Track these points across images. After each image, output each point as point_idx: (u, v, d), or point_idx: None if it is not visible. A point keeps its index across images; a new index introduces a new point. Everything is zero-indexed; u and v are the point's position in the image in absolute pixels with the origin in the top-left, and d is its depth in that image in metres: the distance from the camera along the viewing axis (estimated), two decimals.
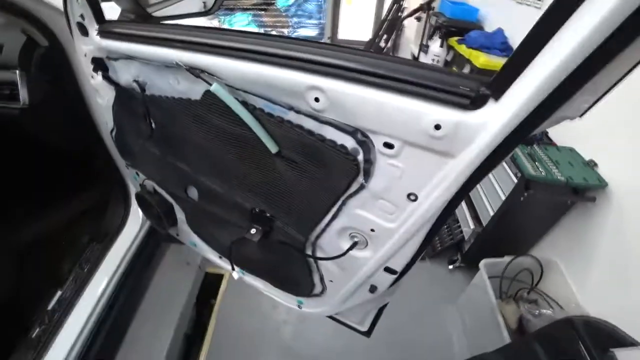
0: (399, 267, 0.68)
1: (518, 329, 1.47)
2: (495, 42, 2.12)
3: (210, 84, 0.60)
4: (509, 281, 1.60)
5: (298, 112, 0.57)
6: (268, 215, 0.78)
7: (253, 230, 0.78)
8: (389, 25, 2.38)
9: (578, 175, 1.44)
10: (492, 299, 1.45)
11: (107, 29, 0.79)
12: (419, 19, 2.57)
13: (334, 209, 0.65)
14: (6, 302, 1.09)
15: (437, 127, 0.44)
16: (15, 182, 1.28)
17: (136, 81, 0.81)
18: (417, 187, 0.53)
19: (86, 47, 0.85)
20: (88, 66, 0.90)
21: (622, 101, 1.43)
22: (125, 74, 0.84)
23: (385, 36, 2.45)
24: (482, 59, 2.06)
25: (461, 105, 0.43)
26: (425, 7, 2.47)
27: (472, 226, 1.76)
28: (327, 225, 0.69)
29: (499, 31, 2.21)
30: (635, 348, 0.96)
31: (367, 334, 1.03)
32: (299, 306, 0.98)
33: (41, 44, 0.97)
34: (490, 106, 0.42)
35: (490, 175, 1.69)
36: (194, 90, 0.71)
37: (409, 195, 0.54)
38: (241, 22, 3.50)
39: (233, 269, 0.99)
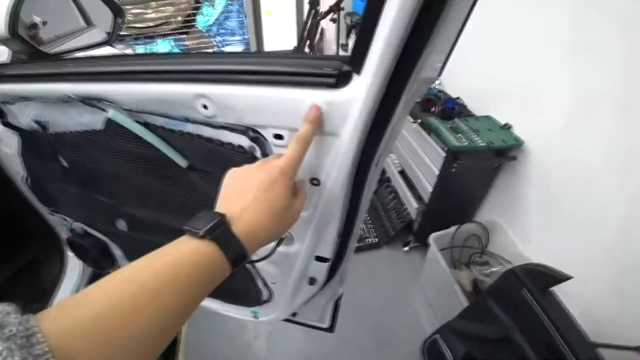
0: (328, 254, 0.71)
1: (474, 291, 1.57)
2: None
3: (107, 112, 0.61)
4: (460, 249, 1.71)
5: (194, 122, 0.59)
6: None
7: None
8: (310, 30, 2.47)
9: (497, 139, 1.58)
10: (446, 268, 1.54)
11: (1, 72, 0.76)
12: (334, 20, 2.69)
13: None
14: None
15: None
16: None
17: (37, 121, 0.78)
18: (316, 171, 0.56)
19: None
20: None
21: (523, 68, 1.60)
22: (25, 117, 0.81)
23: (308, 42, 2.54)
24: None
25: (329, 85, 0.46)
26: (335, 8, 2.59)
27: (415, 205, 1.85)
28: None
29: None
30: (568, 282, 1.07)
31: (330, 329, 1.04)
32: (255, 317, 0.98)
33: None
34: (355, 81, 0.45)
35: (421, 152, 1.80)
36: (97, 120, 0.70)
37: (312, 181, 0.58)
38: (163, 49, 3.45)
39: None
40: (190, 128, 0.61)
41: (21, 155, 0.93)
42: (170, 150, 0.65)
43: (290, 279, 0.78)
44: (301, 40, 2.51)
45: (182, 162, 0.66)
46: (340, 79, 0.46)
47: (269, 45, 3.60)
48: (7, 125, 0.84)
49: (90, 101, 0.63)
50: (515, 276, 1.21)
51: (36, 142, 0.85)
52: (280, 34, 3.50)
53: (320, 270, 0.74)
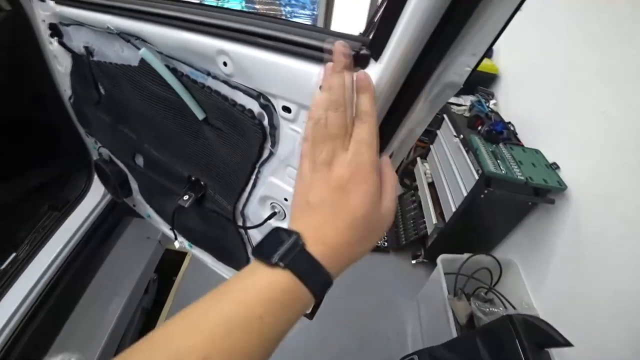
0: None
1: (468, 325, 1.50)
2: None
3: (139, 48, 0.63)
4: (466, 279, 1.63)
5: (214, 77, 0.60)
6: (202, 183, 0.81)
7: (186, 197, 0.81)
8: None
9: (539, 177, 1.47)
10: (445, 293, 1.49)
11: None
12: None
13: (253, 177, 0.67)
14: None
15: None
16: None
17: (85, 47, 0.84)
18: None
19: (44, 12, 0.88)
20: (46, 32, 0.93)
21: (588, 110, 1.46)
22: (76, 40, 0.87)
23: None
24: None
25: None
26: None
27: (434, 221, 1.79)
28: (250, 194, 0.71)
29: None
30: (560, 342, 0.99)
31: (310, 315, 1.05)
32: None
33: (4, 8, 1.00)
34: (372, 67, 0.42)
35: (455, 169, 1.72)
36: (134, 57, 0.74)
37: None
38: (234, 5, 3.51)
39: (176, 238, 1.02)
40: (211, 82, 0.62)
41: (70, 76, 1.01)
42: (191, 99, 0.66)
43: None
44: (369, 25, 2.44)
45: (199, 114, 0.67)
46: (357, 62, 0.44)
47: (336, 26, 3.53)
48: (62, 44, 0.91)
49: (127, 37, 0.66)
50: (511, 324, 1.14)
51: (83, 66, 0.91)
52: (350, 16, 3.44)
53: None
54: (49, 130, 1.28)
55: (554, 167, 1.53)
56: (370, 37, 0.42)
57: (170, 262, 1.65)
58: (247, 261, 0.91)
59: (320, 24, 3.36)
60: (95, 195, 1.34)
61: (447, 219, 1.73)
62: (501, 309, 1.51)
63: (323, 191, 0.34)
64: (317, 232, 0.33)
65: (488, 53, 0.41)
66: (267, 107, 0.56)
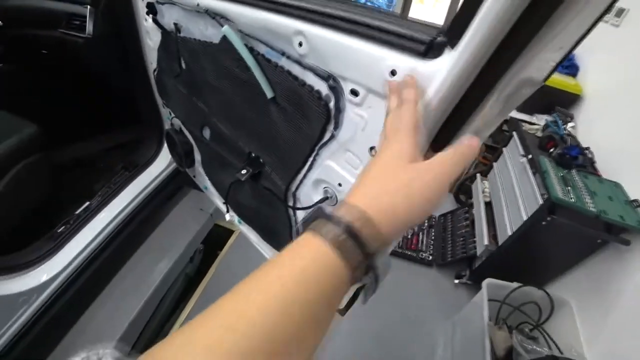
0: None
1: (505, 358, 1.39)
2: None
3: (222, 26, 0.68)
4: (511, 309, 1.51)
5: (288, 57, 0.62)
6: (261, 160, 0.84)
7: (243, 171, 0.84)
8: None
9: (615, 212, 1.32)
10: (485, 320, 1.39)
11: None
12: None
13: (310, 159, 0.69)
14: (40, 205, 1.28)
15: (393, 72, 0.46)
16: (68, 105, 1.49)
17: (175, 24, 0.91)
18: (377, 140, 0.55)
19: None
20: (143, 9, 1.03)
21: None
22: (167, 17, 0.95)
23: None
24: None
25: (417, 52, 0.43)
26: None
27: (486, 242, 1.68)
28: (305, 176, 0.73)
29: None
30: None
31: (342, 311, 1.05)
32: None
33: None
34: (446, 55, 0.41)
35: (517, 191, 1.60)
36: (217, 35, 0.79)
37: (370, 149, 0.57)
38: None
39: (227, 211, 1.07)
40: (284, 62, 0.64)
41: (158, 50, 1.10)
42: (263, 78, 0.69)
43: None
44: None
45: (269, 93, 0.70)
46: (431, 49, 0.43)
47: (414, 12, 3.41)
48: (155, 21, 1.00)
49: (213, 14, 0.70)
50: None
51: (170, 42, 1.00)
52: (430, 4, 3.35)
53: None
54: (132, 98, 1.42)
55: (635, 204, 1.36)
56: (449, 24, 0.41)
57: (218, 236, 1.74)
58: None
59: (397, 8, 3.28)
60: (162, 162, 1.46)
61: (500, 242, 1.62)
62: (546, 349, 1.38)
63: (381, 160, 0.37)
64: (390, 212, 0.32)
65: (574, 48, 0.38)
66: (335, 89, 0.56)
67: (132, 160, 1.47)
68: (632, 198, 1.40)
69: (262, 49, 0.68)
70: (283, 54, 0.63)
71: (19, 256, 1.06)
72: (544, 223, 1.38)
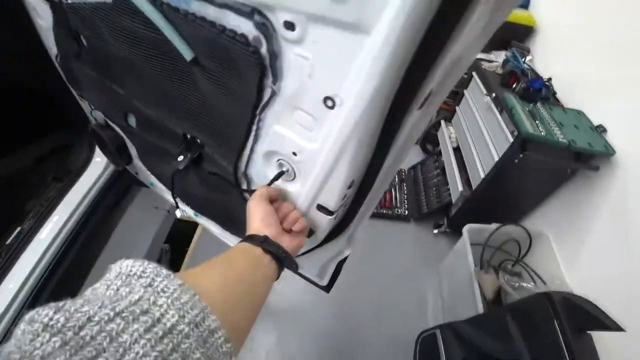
0: (332, 206, 0.57)
1: (495, 300, 1.37)
2: None
3: None
4: (493, 250, 1.49)
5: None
6: (198, 141, 0.68)
7: (180, 158, 0.68)
8: None
9: (582, 140, 1.28)
10: (471, 266, 1.35)
11: None
12: None
13: (254, 128, 0.54)
14: None
15: None
16: None
17: None
18: (332, 87, 0.41)
19: None
20: None
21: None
22: None
23: None
24: None
25: None
26: None
27: (460, 189, 1.62)
28: (252, 150, 0.58)
29: None
30: (609, 326, 0.84)
31: (327, 289, 0.96)
32: None
33: None
34: None
35: (485, 132, 1.53)
36: None
37: (325, 100, 0.43)
38: None
39: (177, 207, 0.91)
40: (195, 6, 0.47)
41: (52, 29, 0.87)
42: (175, 35, 0.52)
43: None
44: None
45: (187, 54, 0.53)
46: None
47: None
48: None
49: None
50: (550, 302, 1.00)
51: (60, 14, 0.77)
52: None
53: (320, 223, 0.61)
54: (44, 96, 1.17)
55: (600, 129, 1.33)
56: None
57: (183, 233, 1.56)
58: None
59: None
60: (99, 164, 1.24)
61: (474, 187, 1.56)
62: (532, 284, 1.37)
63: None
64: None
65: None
66: (264, 26, 0.41)
67: (63, 168, 1.24)
68: (596, 123, 1.36)
69: None
70: None
71: None
72: (516, 161, 1.32)
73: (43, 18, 0.86)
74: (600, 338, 1.00)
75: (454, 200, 1.68)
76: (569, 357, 0.86)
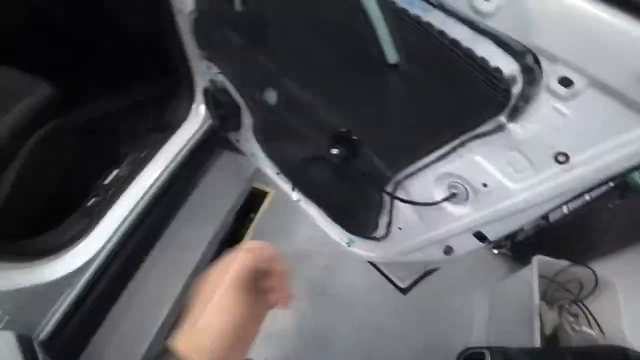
0: (492, 236, 0.60)
1: (551, 338, 1.40)
2: None
3: None
4: (555, 285, 1.50)
5: (448, 12, 0.46)
6: (355, 137, 0.70)
7: (335, 151, 0.71)
8: None
9: None
10: (536, 298, 1.37)
11: None
12: None
13: (447, 149, 0.56)
14: (64, 177, 1.12)
15: None
16: (84, 57, 1.27)
17: None
18: (577, 146, 0.42)
19: None
20: None
21: None
22: None
23: None
24: None
25: None
26: None
27: None
28: (427, 166, 0.60)
29: None
30: None
31: (405, 291, 1.00)
32: (347, 244, 0.94)
33: None
34: None
35: None
36: None
37: (557, 155, 0.44)
38: None
39: (294, 189, 0.95)
40: (435, 18, 0.47)
41: None
42: (387, 35, 0.53)
43: (425, 235, 0.69)
44: None
45: (393, 57, 0.54)
46: None
47: None
48: None
49: None
50: (622, 357, 1.02)
51: None
52: None
53: (467, 245, 0.64)
54: (155, 47, 1.20)
55: None
56: None
57: (250, 198, 1.62)
58: (375, 228, 0.82)
59: None
60: (194, 122, 1.29)
61: (551, 220, 1.55)
62: (592, 330, 1.38)
63: None
64: None
65: None
66: (532, 70, 0.42)
67: (160, 119, 1.30)
68: None
69: None
70: (439, 5, 0.46)
71: (51, 237, 0.94)
72: (610, 206, 1.30)
73: None
74: None
75: (525, 226, 1.68)
76: None
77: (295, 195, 0.93)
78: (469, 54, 0.46)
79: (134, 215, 1.09)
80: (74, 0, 1.25)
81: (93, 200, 1.07)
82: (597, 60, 0.36)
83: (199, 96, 1.23)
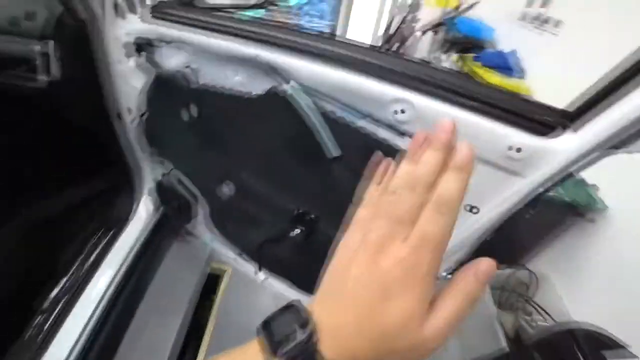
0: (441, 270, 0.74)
1: (514, 339, 1.58)
2: (509, 63, 2.23)
3: (287, 82, 0.63)
4: (507, 293, 1.71)
5: (375, 120, 0.61)
6: (312, 216, 0.81)
7: (297, 231, 0.81)
8: (401, 33, 2.46)
9: (580, 196, 1.56)
10: (492, 308, 1.55)
11: (163, 10, 0.80)
12: (435, 32, 2.68)
13: None
14: (7, 286, 1.05)
15: (518, 150, 0.51)
16: (26, 159, 1.24)
17: (189, 67, 0.81)
18: (480, 200, 0.59)
19: (125, 28, 0.85)
20: (119, 49, 0.89)
21: None
22: (174, 60, 0.84)
23: (397, 44, 2.52)
24: (495, 79, 2.17)
25: (538, 132, 0.51)
26: (447, 22, 2.58)
27: None
28: None
29: (514, 52, 2.33)
30: (627, 355, 1.07)
31: None
32: None
33: (78, 18, 0.95)
34: (568, 136, 0.50)
35: None
36: (253, 85, 0.73)
37: (471, 209, 0.60)
38: (254, 13, 3.44)
39: (260, 270, 1.02)
40: (364, 124, 0.63)
41: (147, 94, 0.97)
42: (328, 136, 0.67)
43: None
44: (390, 40, 2.50)
45: (335, 152, 0.68)
46: (556, 130, 0.50)
47: (350, 35, 3.57)
48: (151, 61, 0.88)
49: (275, 69, 0.65)
50: (572, 337, 1.21)
51: (172, 87, 0.88)
52: (366, 27, 3.48)
53: None
54: (99, 145, 1.23)
55: (594, 188, 1.63)
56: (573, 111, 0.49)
57: (207, 281, 1.60)
58: None
59: (339, 33, 3.39)
60: (144, 215, 1.30)
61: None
62: (549, 323, 1.60)
63: (363, 279, 0.28)
64: (337, 332, 0.28)
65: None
66: None
67: (106, 216, 1.28)
68: (590, 182, 1.67)
69: (329, 105, 0.65)
70: (367, 116, 0.62)
71: None
72: (527, 216, 1.57)
73: (133, 83, 0.96)
74: None
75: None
76: None
77: (262, 275, 0.99)
78: (393, 148, 0.61)
79: (87, 331, 1.04)
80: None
81: (40, 317, 1.00)
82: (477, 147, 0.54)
83: (147, 190, 1.26)
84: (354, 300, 0.28)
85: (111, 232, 1.23)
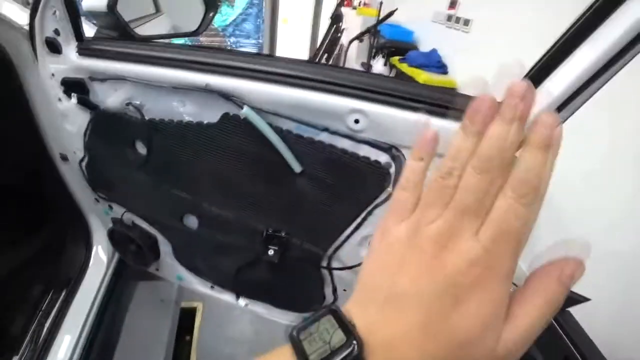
0: None
1: None
2: (432, 61, 2.44)
3: (241, 107, 0.65)
4: None
5: (333, 133, 0.65)
6: (283, 234, 0.82)
7: (271, 252, 0.81)
8: (329, 44, 2.57)
9: None
10: None
11: (91, 47, 0.77)
12: (361, 40, 2.84)
13: (359, 220, 0.72)
14: None
15: None
16: None
17: (131, 104, 0.79)
18: None
19: (56, 66, 0.80)
20: (55, 88, 0.85)
21: None
22: (113, 97, 0.81)
23: (326, 55, 2.63)
24: (423, 76, 2.36)
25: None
26: (373, 30, 2.74)
27: None
28: (349, 236, 0.76)
29: (434, 51, 2.55)
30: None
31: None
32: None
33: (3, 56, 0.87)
34: None
35: None
36: (204, 113, 0.73)
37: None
38: (178, 41, 3.39)
39: (238, 297, 1.00)
40: (324, 137, 0.66)
41: (86, 135, 0.92)
42: (290, 154, 0.69)
43: None
44: (318, 52, 2.60)
45: (297, 167, 0.70)
46: None
47: (280, 52, 3.66)
48: (83, 102, 0.83)
49: (226, 95, 0.66)
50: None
51: (115, 125, 0.85)
52: (292, 42, 3.57)
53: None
54: (37, 198, 1.13)
55: None
56: None
57: (180, 320, 1.52)
58: (323, 299, 0.92)
59: (265, 51, 3.45)
60: (99, 266, 1.21)
61: None
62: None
63: (421, 282, 0.23)
64: (391, 346, 0.23)
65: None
66: (397, 157, 0.63)
67: (55, 275, 1.17)
68: None
69: (287, 124, 0.67)
70: (325, 129, 0.65)
71: None
72: None
73: (73, 124, 0.90)
74: None
75: None
76: (562, 332, 1.13)
77: (242, 301, 0.97)
78: (354, 156, 0.65)
79: None
80: None
81: None
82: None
83: (98, 239, 1.17)
84: (416, 308, 0.23)
85: (64, 291, 1.12)
